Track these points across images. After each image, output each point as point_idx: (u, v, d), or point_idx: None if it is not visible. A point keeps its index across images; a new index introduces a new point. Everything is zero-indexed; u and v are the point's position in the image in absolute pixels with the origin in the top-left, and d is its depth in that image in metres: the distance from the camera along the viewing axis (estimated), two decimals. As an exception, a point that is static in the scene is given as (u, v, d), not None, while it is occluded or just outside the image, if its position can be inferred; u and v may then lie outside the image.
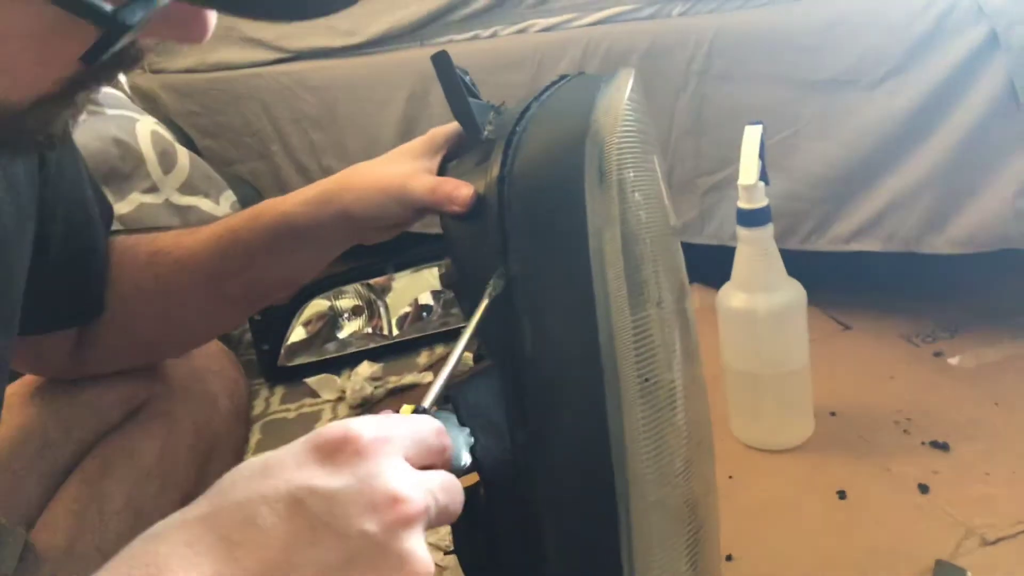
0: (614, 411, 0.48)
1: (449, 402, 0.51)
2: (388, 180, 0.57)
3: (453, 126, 0.61)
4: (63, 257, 0.59)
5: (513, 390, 0.51)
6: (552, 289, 0.50)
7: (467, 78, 0.59)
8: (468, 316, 0.54)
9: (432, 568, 0.34)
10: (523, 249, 0.51)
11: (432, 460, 0.39)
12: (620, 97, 0.54)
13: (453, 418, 0.49)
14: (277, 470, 0.34)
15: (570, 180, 0.50)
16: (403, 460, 0.36)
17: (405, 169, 0.58)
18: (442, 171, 0.59)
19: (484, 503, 0.53)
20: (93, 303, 0.63)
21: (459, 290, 0.56)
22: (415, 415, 0.41)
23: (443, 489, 0.37)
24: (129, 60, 0.35)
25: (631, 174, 0.51)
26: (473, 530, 0.54)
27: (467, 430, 0.48)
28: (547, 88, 0.59)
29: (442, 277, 0.55)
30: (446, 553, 0.88)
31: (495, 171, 0.52)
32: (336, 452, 0.35)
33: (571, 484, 0.50)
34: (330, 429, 0.36)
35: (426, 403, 0.44)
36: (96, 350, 0.64)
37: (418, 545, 0.34)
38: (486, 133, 0.57)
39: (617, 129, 0.51)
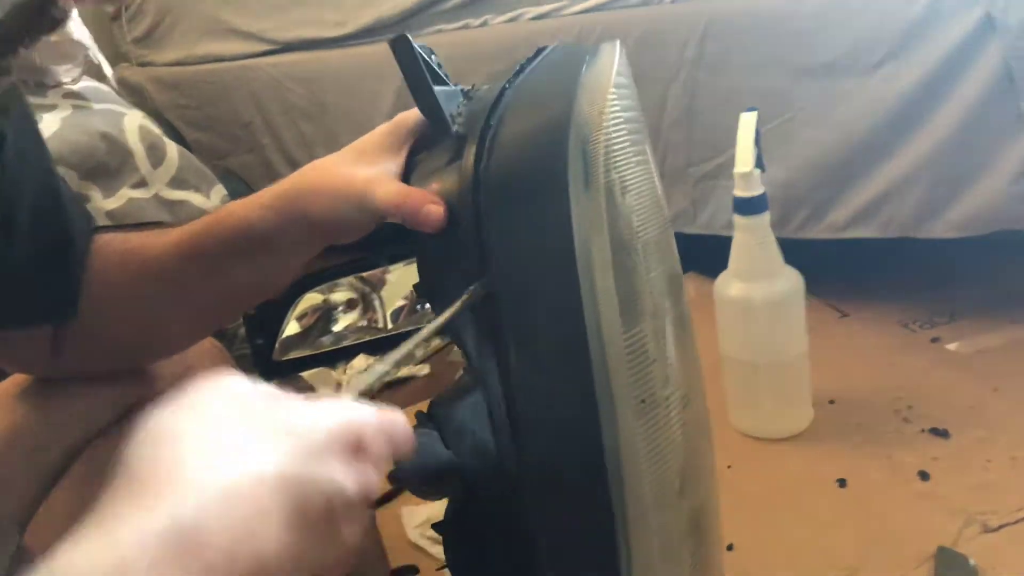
0: (610, 438, 0.45)
1: (432, 421, 0.49)
2: (348, 185, 0.52)
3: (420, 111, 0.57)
4: (31, 247, 0.57)
5: (501, 414, 0.47)
6: (538, 309, 0.46)
7: (433, 58, 0.54)
8: (447, 333, 0.50)
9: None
10: (504, 266, 0.46)
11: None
12: (606, 80, 0.48)
13: (435, 437, 0.47)
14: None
15: (553, 186, 0.45)
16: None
17: (367, 172, 0.52)
18: (409, 165, 0.54)
19: (476, 524, 0.52)
20: (66, 299, 0.61)
21: (434, 302, 0.51)
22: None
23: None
24: (49, 21, 0.33)
25: (620, 174, 0.47)
26: (465, 547, 0.53)
27: (448, 452, 0.47)
28: (523, 67, 0.53)
29: (416, 287, 0.52)
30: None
31: (468, 176, 0.47)
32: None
33: (568, 514, 0.47)
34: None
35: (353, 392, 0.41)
36: (74, 351, 0.63)
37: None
38: (456, 127, 0.51)
39: (603, 123, 0.46)
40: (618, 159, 0.47)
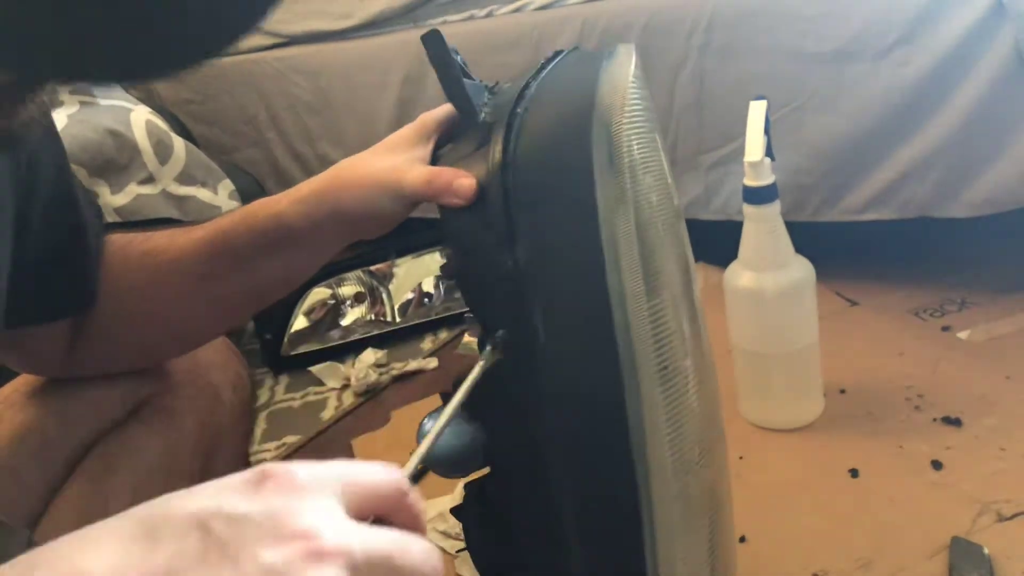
0: (633, 402, 0.47)
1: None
2: (381, 174, 0.55)
3: (443, 110, 0.59)
4: (47, 243, 0.58)
5: (527, 385, 0.49)
6: (564, 279, 0.48)
7: (458, 57, 0.56)
8: (472, 312, 0.52)
9: None
10: (532, 239, 0.48)
11: (383, 509, 0.32)
12: (625, 74, 0.51)
13: (459, 415, 0.48)
14: (199, 491, 0.30)
15: (578, 164, 0.47)
16: (334, 502, 0.30)
17: (397, 161, 0.55)
18: (435, 159, 0.57)
19: (498, 500, 0.52)
20: (83, 294, 0.62)
21: (461, 281, 0.54)
22: (378, 464, 0.33)
23: (386, 543, 0.29)
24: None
25: (641, 155, 0.49)
26: (486, 527, 0.53)
27: (472, 429, 0.47)
28: (544, 65, 0.57)
29: (442, 268, 0.54)
30: (458, 552, 0.87)
31: (497, 157, 0.50)
32: (262, 483, 0.29)
33: (592, 480, 0.49)
34: (271, 464, 0.31)
35: (406, 471, 0.35)
36: (91, 350, 0.63)
37: None
38: (483, 115, 0.54)
39: (625, 109, 0.49)
40: (638, 142, 0.49)
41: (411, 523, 0.32)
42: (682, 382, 0.50)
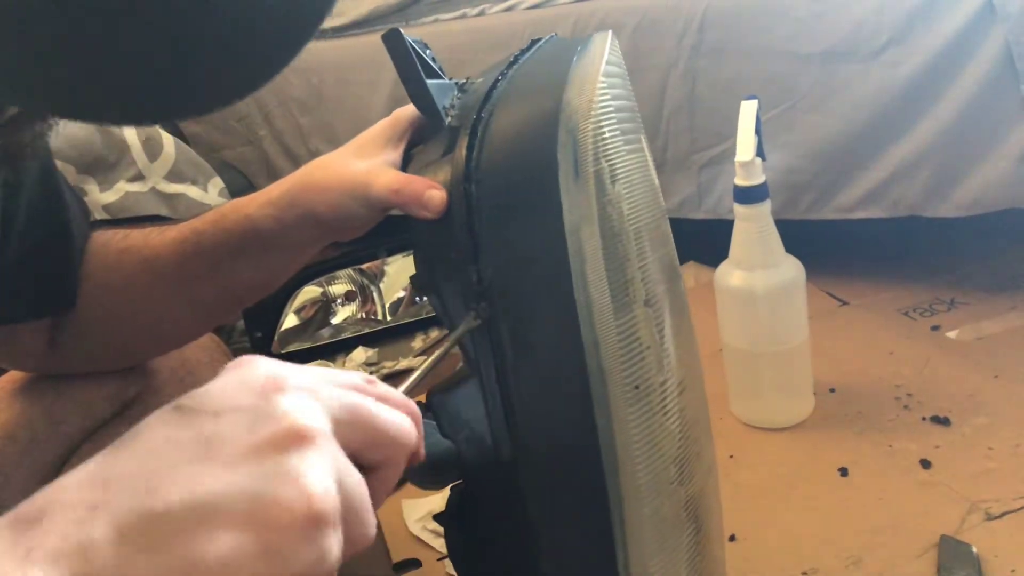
0: (604, 424, 0.45)
1: (430, 410, 0.49)
2: (350, 179, 0.52)
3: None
4: (31, 241, 0.57)
5: (496, 403, 0.48)
6: (530, 297, 0.46)
7: (428, 53, 0.54)
8: (444, 322, 0.51)
9: (328, 498, 0.29)
10: (496, 255, 0.46)
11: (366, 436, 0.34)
12: (594, 71, 0.48)
13: (433, 426, 0.47)
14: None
15: (543, 175, 0.45)
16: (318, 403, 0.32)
17: (367, 165, 0.53)
18: (406, 158, 0.55)
19: (475, 513, 0.51)
20: (64, 294, 0.61)
21: (430, 293, 0.52)
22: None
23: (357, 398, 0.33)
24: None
25: (610, 163, 0.47)
26: (464, 535, 0.53)
27: (447, 442, 0.46)
28: (516, 58, 0.54)
29: (412, 279, 0.52)
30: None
31: (460, 167, 0.48)
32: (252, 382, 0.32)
33: (563, 500, 0.48)
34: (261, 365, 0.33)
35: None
36: (70, 349, 0.63)
37: (309, 467, 0.29)
38: (449, 120, 0.51)
39: (592, 112, 0.46)
40: (608, 147, 0.47)
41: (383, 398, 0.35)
42: (657, 399, 0.49)
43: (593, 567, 0.48)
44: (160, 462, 0.29)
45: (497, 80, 0.51)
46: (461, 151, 0.48)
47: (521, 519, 0.48)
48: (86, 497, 0.28)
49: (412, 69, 0.51)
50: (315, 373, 0.34)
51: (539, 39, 0.57)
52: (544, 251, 0.45)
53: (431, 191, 0.48)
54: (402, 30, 0.50)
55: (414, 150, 0.55)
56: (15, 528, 0.27)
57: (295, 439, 0.30)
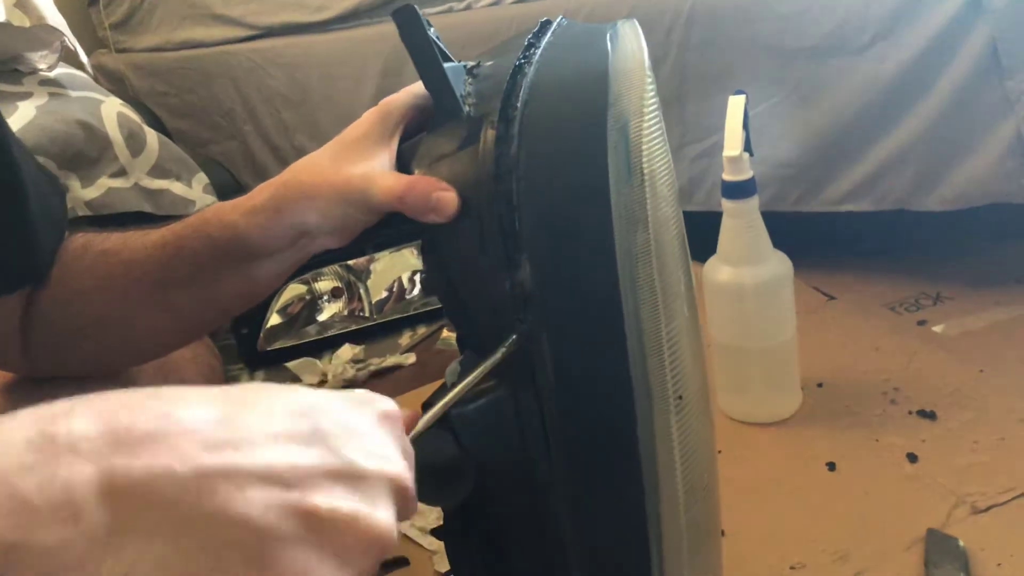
0: (646, 437, 0.43)
1: (445, 421, 0.45)
2: (345, 184, 0.48)
3: (407, 95, 0.52)
4: None
5: (533, 420, 0.44)
6: (575, 305, 0.43)
7: (432, 31, 0.48)
8: (455, 324, 0.48)
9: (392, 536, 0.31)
10: (536, 262, 0.42)
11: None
12: (639, 65, 0.45)
13: (450, 440, 0.44)
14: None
15: (592, 176, 0.42)
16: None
17: (363, 167, 0.49)
18: (405, 153, 0.50)
19: (487, 527, 0.49)
20: (24, 266, 0.56)
21: (446, 299, 0.47)
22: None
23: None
24: None
25: (658, 163, 0.44)
26: (471, 550, 0.51)
27: (460, 456, 0.44)
28: (532, 42, 0.49)
29: (424, 282, 0.50)
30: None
31: (489, 162, 0.43)
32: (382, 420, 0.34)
33: (599, 515, 0.45)
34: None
35: (429, 417, 0.41)
36: (45, 355, 0.60)
37: (388, 508, 0.32)
38: (467, 109, 0.46)
39: (644, 110, 0.43)
40: (654, 147, 0.45)
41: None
42: (693, 409, 0.46)
43: None
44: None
45: (517, 66, 0.46)
46: (488, 144, 0.43)
47: (551, 535, 0.46)
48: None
49: (427, 50, 0.46)
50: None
51: (549, 21, 0.53)
52: (592, 257, 0.42)
53: (440, 193, 0.44)
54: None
55: (416, 140, 0.50)
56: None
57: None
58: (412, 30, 0.46)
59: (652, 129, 0.44)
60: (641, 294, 0.42)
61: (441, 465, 0.44)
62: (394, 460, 0.33)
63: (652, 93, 0.45)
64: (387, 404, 0.36)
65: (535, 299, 0.43)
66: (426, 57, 0.46)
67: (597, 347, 0.43)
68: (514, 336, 0.43)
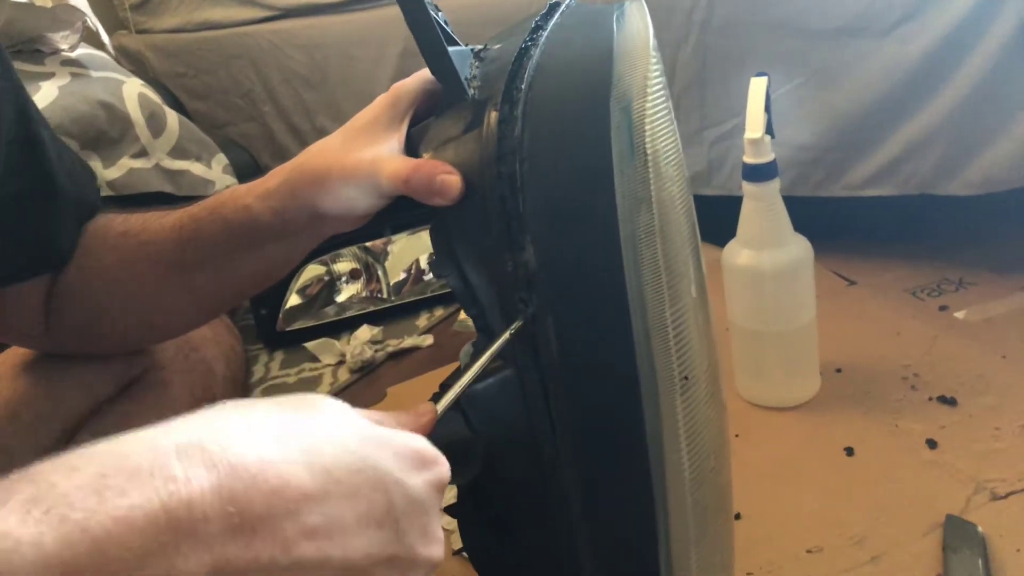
0: (652, 418, 0.43)
1: (456, 402, 0.46)
2: (355, 168, 0.49)
3: (418, 79, 0.53)
4: (9, 190, 0.54)
5: (538, 400, 0.45)
6: (579, 288, 0.43)
7: (440, 15, 0.49)
8: (464, 306, 0.48)
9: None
10: (540, 243, 0.42)
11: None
12: (644, 45, 0.45)
13: (459, 419, 0.45)
14: (381, 443, 0.35)
15: (595, 156, 0.42)
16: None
17: (372, 151, 0.49)
18: (414, 136, 0.50)
19: (498, 505, 0.50)
20: (51, 251, 0.58)
21: (455, 282, 0.48)
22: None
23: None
24: None
25: (663, 143, 0.44)
26: (481, 528, 0.52)
27: (471, 435, 0.45)
28: (539, 25, 0.49)
29: (431, 265, 0.51)
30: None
31: (492, 145, 0.43)
32: (423, 467, 0.37)
33: (606, 496, 0.45)
34: (423, 445, 0.38)
35: (446, 401, 0.42)
36: (67, 333, 0.61)
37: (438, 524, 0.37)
38: (472, 92, 0.47)
39: (647, 91, 0.43)
40: (659, 127, 0.44)
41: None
42: (700, 390, 0.47)
43: (634, 559, 0.47)
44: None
45: (526, 48, 0.46)
46: (491, 127, 0.44)
47: (558, 514, 0.46)
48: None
49: (431, 34, 0.46)
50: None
51: (558, 3, 0.53)
52: (595, 238, 0.42)
53: (444, 176, 0.45)
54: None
55: (425, 123, 0.51)
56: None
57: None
58: (416, 15, 0.46)
59: (657, 109, 0.44)
60: (645, 275, 0.43)
61: (451, 445, 0.45)
62: (440, 544, 0.36)
63: (657, 73, 0.45)
64: (443, 468, 0.38)
65: (539, 280, 0.43)
66: (430, 42, 0.46)
67: (601, 328, 0.43)
68: (518, 319, 0.44)
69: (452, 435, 0.45)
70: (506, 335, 0.44)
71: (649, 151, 0.43)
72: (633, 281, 0.42)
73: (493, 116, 0.44)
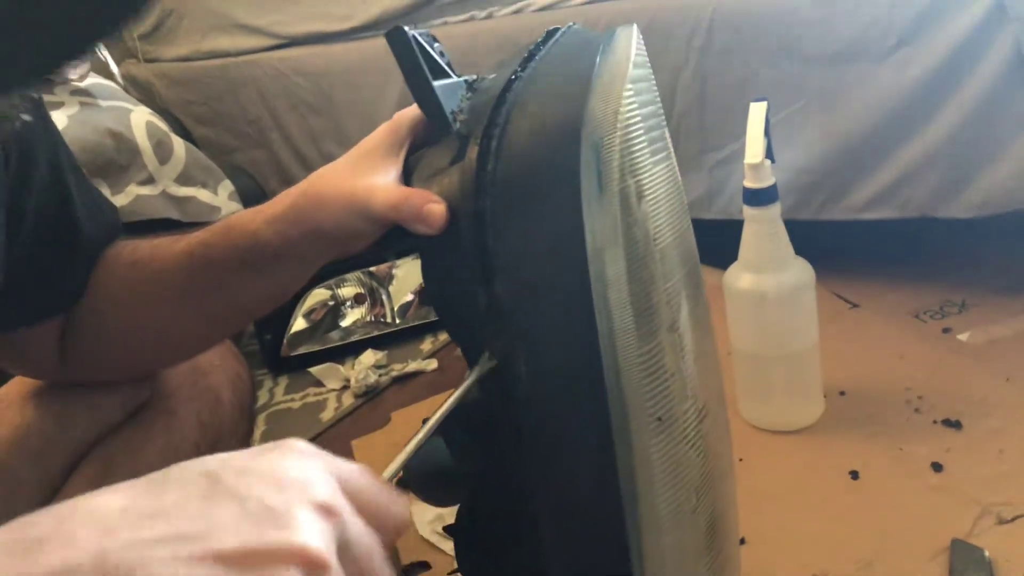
0: (624, 457, 0.42)
1: (439, 430, 0.46)
2: (351, 194, 0.50)
3: (417, 108, 0.53)
4: (40, 238, 0.56)
5: (511, 433, 0.44)
6: (548, 324, 0.42)
7: (436, 47, 0.50)
8: (452, 338, 0.48)
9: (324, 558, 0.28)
10: (510, 275, 0.43)
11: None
12: (620, 77, 0.44)
13: (442, 444, 0.45)
14: (208, 457, 0.30)
15: (564, 194, 0.42)
16: (326, 470, 0.31)
17: (368, 180, 0.50)
18: (411, 164, 0.52)
19: (485, 532, 0.50)
20: (68, 291, 0.60)
21: (439, 310, 0.49)
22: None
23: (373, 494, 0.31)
24: None
25: (636, 179, 0.43)
26: (474, 551, 0.52)
27: (454, 461, 0.45)
28: (532, 54, 0.50)
29: (421, 294, 0.51)
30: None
31: (470, 178, 0.44)
32: (265, 450, 0.31)
33: (579, 533, 0.45)
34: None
35: (388, 472, 0.38)
36: (81, 361, 0.62)
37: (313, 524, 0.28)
38: (457, 125, 0.48)
39: (618, 124, 0.42)
40: (636, 160, 0.44)
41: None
42: (680, 429, 0.46)
43: None
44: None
45: (510, 80, 0.47)
46: (471, 161, 0.44)
47: (535, 546, 0.46)
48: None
49: (417, 70, 0.47)
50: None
51: (555, 29, 0.53)
52: (564, 275, 0.42)
53: (430, 206, 0.46)
54: (407, 28, 0.47)
55: (419, 153, 0.52)
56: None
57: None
58: (402, 51, 0.47)
59: (633, 143, 0.44)
60: (614, 314, 0.42)
61: (432, 474, 0.45)
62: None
63: (634, 105, 0.44)
64: None
65: (509, 317, 0.43)
66: (416, 78, 0.48)
67: (570, 367, 0.42)
68: (486, 354, 0.44)
69: (434, 462, 0.45)
70: (474, 376, 0.44)
71: (619, 187, 0.42)
72: (603, 319, 0.42)
73: (474, 150, 0.45)
